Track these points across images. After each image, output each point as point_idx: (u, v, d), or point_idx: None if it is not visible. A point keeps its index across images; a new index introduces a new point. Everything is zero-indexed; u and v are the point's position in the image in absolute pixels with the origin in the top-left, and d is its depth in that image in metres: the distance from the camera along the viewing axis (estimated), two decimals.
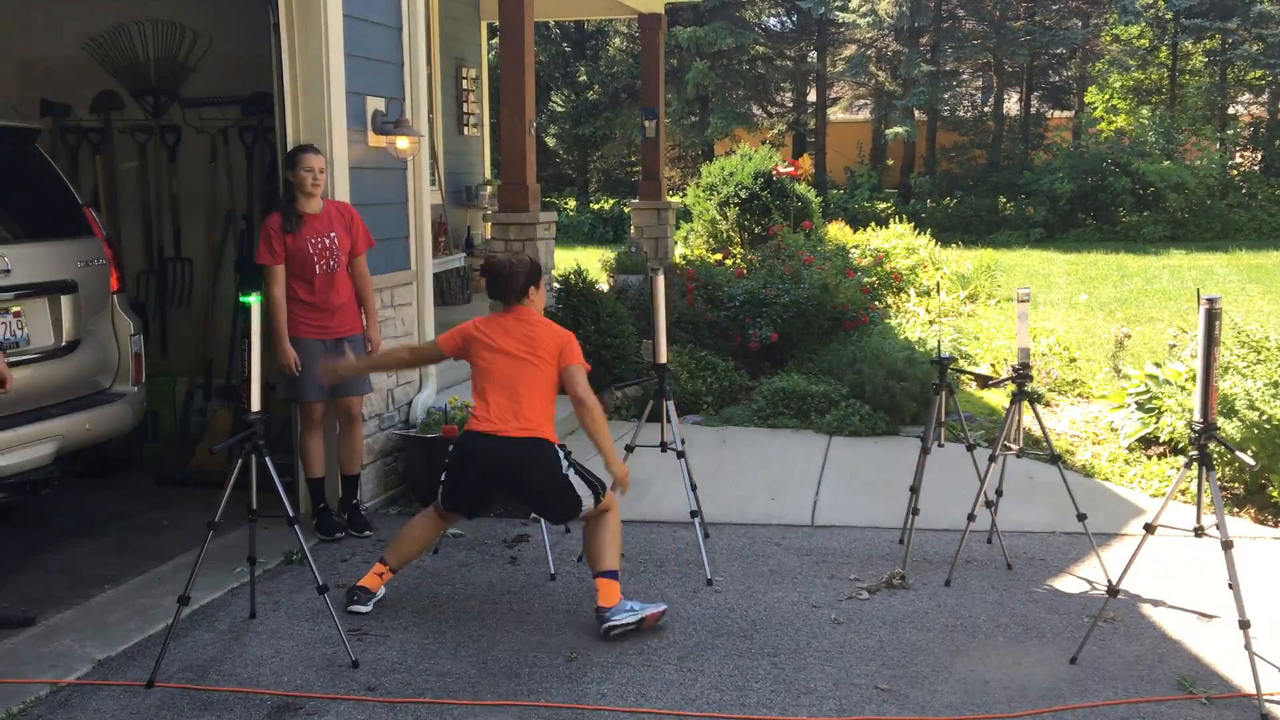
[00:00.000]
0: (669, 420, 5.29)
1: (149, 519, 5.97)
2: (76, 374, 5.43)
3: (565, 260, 10.21)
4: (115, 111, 7.04)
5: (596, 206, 26.29)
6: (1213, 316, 3.94)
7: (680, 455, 5.23)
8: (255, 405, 4.29)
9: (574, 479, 4.48)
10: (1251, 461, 4.23)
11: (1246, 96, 25.94)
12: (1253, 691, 3.80)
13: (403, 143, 6.19)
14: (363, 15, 5.94)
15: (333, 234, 5.48)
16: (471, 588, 4.99)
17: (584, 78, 27.63)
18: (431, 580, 5.07)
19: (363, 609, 4.61)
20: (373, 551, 5.43)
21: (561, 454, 4.52)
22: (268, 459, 4.31)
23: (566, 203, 26.98)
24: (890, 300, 11.53)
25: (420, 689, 4.02)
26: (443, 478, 4.59)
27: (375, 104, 6.08)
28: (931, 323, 10.40)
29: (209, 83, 6.89)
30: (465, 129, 11.14)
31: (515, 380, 4.48)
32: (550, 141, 28.55)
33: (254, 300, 4.19)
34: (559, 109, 27.73)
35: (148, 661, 4.16)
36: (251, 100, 6.73)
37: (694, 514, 5.18)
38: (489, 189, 11.21)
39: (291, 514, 4.32)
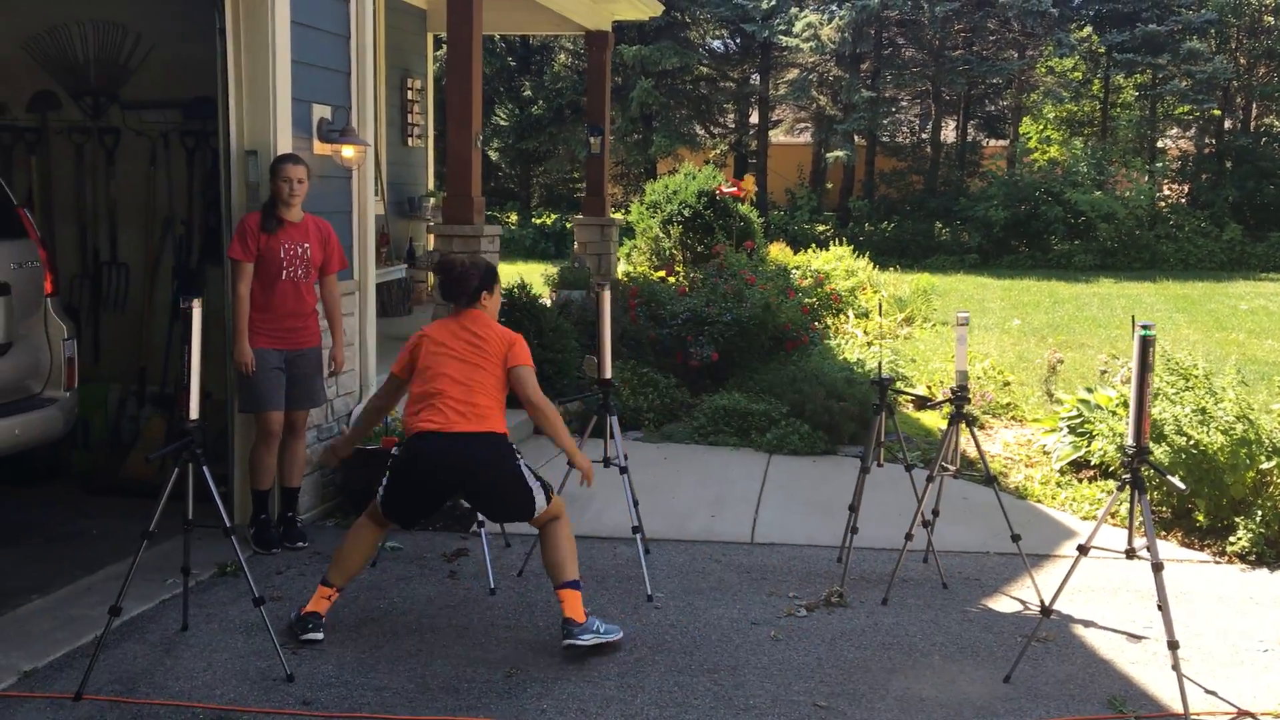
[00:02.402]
0: (612, 436, 5.30)
1: (77, 528, 5.84)
2: (7, 378, 5.30)
3: (508, 274, 10.16)
4: (53, 112, 6.90)
5: (539, 221, 26.24)
6: (1147, 343, 4.04)
7: (623, 471, 5.23)
8: (194, 413, 4.22)
9: (526, 473, 4.45)
10: (1181, 485, 4.33)
11: (1175, 130, 26.74)
12: (1180, 711, 3.89)
13: (348, 151, 6.15)
14: (311, 22, 5.89)
15: (306, 245, 5.48)
16: (410, 602, 4.94)
17: (528, 92, 27.62)
18: (369, 594, 5.01)
19: (317, 636, 4.44)
20: (309, 563, 5.36)
21: (514, 448, 4.49)
22: (205, 468, 4.24)
23: (508, 217, 26.91)
24: (830, 321, 11.64)
25: (357, 703, 3.97)
26: (384, 483, 4.48)
27: (321, 112, 6.03)
28: (869, 344, 10.53)
29: (150, 85, 6.78)
30: (410, 140, 11.08)
31: (463, 380, 4.42)
32: (493, 155, 28.47)
33: (195, 303, 4.13)
34: (502, 123, 27.68)
35: (76, 673, 4.06)
36: (193, 104, 6.63)
37: (635, 530, 5.19)
38: (432, 201, 11.15)
39: (228, 524, 4.26)
